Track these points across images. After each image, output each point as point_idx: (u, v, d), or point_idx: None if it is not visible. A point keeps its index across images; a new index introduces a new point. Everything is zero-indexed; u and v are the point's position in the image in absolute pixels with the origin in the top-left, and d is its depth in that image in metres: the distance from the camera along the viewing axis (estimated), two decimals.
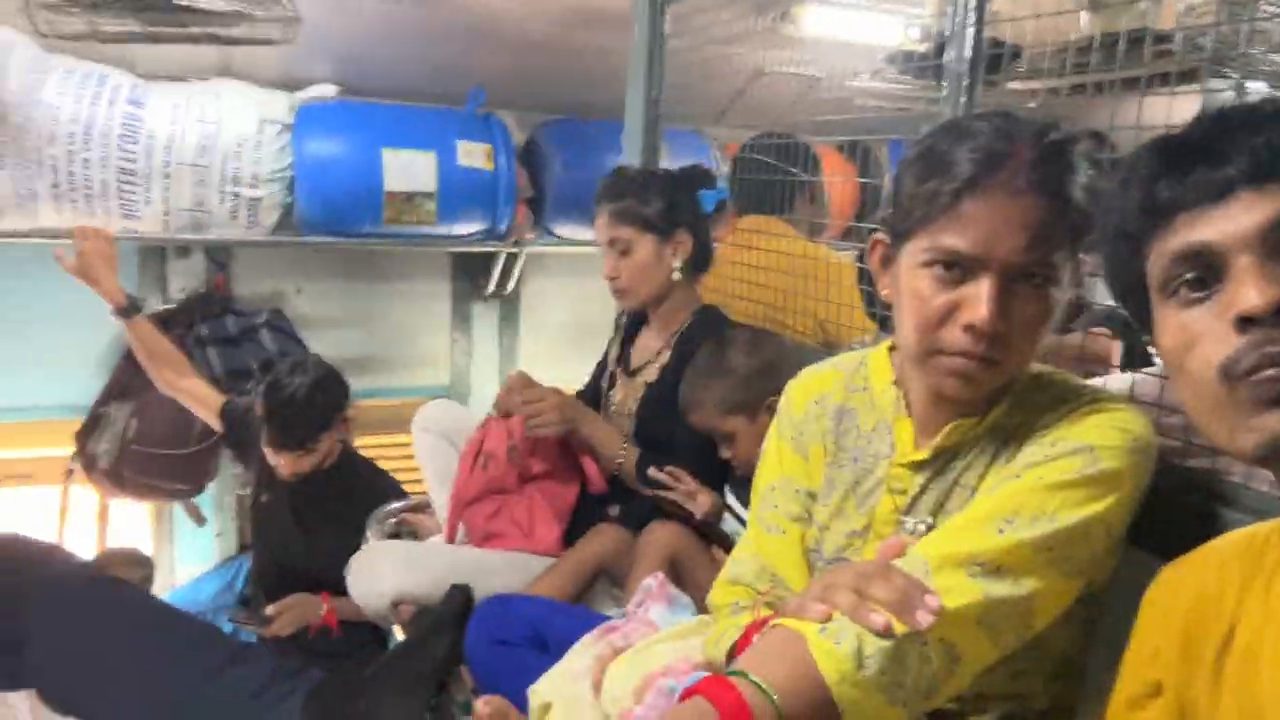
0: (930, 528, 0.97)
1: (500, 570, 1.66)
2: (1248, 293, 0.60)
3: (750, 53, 2.12)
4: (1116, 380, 1.23)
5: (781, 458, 1.12)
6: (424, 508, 2.04)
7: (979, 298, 0.85)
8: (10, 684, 1.44)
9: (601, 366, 1.96)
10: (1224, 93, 2.51)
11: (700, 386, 1.51)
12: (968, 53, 1.27)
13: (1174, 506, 0.95)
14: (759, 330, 1.62)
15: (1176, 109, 1.11)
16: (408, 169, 2.66)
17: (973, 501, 0.90)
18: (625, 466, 1.69)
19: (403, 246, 2.95)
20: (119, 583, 1.56)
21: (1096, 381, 1.15)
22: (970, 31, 1.26)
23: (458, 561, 1.69)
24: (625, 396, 1.81)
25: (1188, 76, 1.94)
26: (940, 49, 1.82)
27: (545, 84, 3.00)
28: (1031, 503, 0.83)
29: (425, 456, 1.93)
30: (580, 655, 1.23)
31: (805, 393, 1.12)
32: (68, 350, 2.80)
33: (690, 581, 1.45)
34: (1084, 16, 1.85)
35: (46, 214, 2.40)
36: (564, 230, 3.07)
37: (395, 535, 2.03)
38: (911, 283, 0.90)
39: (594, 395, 1.93)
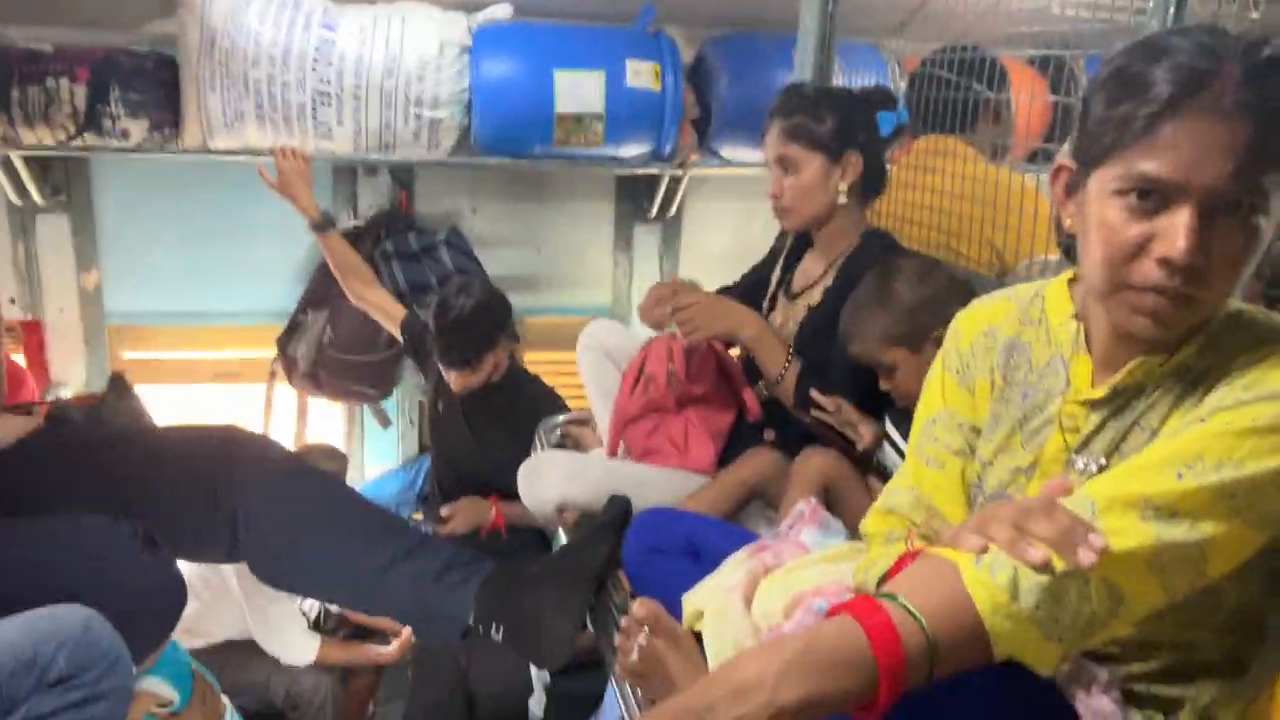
0: (1102, 469, 0.93)
1: (657, 485, 1.72)
2: None
3: None
4: None
5: (945, 390, 1.09)
6: (587, 421, 2.13)
7: (1176, 229, 0.79)
8: (227, 557, 1.63)
9: (756, 279, 1.95)
10: None
11: (863, 316, 1.48)
12: None
13: None
14: (927, 259, 1.57)
15: None
16: (577, 90, 2.69)
17: (1152, 444, 0.85)
18: (785, 382, 1.68)
19: (570, 168, 3.00)
20: (321, 472, 1.72)
21: None
22: None
23: (618, 474, 1.76)
24: (785, 319, 1.81)
25: None
26: None
27: None
28: (1217, 447, 0.78)
29: (589, 373, 2.00)
30: (733, 569, 1.27)
31: (974, 324, 1.09)
32: (272, 260, 3.06)
33: (844, 509, 1.45)
34: None
35: (252, 134, 2.60)
36: (729, 151, 3.03)
37: (560, 446, 2.13)
38: (1101, 212, 0.85)
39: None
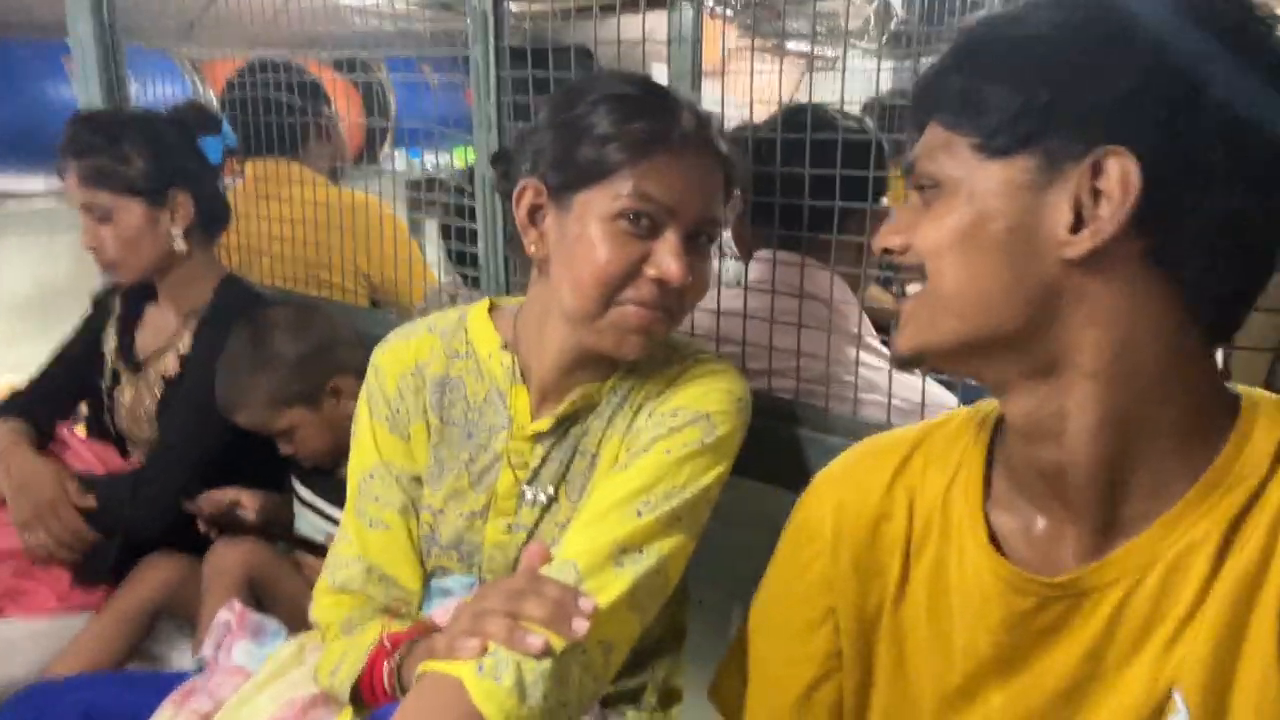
0: (551, 499, 0.95)
1: (21, 647, 1.31)
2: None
3: None
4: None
5: (377, 440, 1.00)
6: None
7: (669, 251, 0.85)
8: None
9: (79, 352, 1.59)
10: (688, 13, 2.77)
11: (245, 383, 1.30)
12: None
13: (769, 434, 1.03)
14: (299, 306, 1.43)
15: (647, 29, 1.17)
16: None
17: (607, 482, 0.88)
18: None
19: None
20: None
21: None
22: None
23: None
24: (137, 397, 1.50)
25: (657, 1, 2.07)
26: None
27: None
28: (665, 479, 0.85)
29: None
30: None
31: (398, 363, 1.01)
32: None
33: (277, 600, 1.27)
34: None
35: None
36: (2, 181, 2.44)
37: None
38: (593, 234, 0.86)
39: (75, 390, 1.58)
